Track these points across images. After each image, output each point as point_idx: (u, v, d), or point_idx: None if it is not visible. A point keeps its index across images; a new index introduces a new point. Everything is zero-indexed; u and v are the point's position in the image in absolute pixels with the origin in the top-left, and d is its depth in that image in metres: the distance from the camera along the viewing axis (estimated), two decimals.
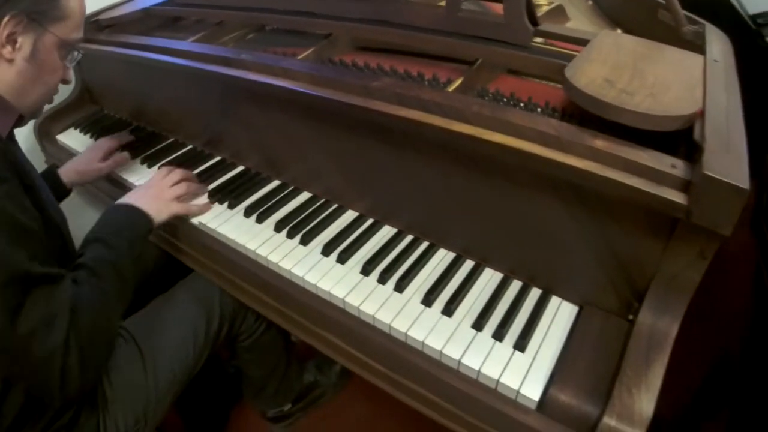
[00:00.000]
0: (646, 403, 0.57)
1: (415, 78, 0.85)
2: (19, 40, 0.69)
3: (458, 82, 0.81)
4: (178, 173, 0.96)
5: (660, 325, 0.63)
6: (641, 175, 0.59)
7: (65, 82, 0.82)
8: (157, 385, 0.86)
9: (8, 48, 0.69)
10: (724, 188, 0.53)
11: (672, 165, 0.59)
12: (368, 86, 0.76)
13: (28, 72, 0.72)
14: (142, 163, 1.13)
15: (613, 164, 0.60)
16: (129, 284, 0.78)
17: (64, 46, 0.75)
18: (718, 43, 0.88)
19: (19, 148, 0.82)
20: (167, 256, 1.06)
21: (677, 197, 0.56)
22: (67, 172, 1.07)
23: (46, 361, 0.64)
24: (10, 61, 0.70)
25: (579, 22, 1.08)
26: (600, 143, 0.62)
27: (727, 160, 0.55)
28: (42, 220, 0.69)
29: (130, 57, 1.08)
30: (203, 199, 0.98)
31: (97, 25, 1.24)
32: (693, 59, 0.77)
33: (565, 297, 0.75)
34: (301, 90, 0.79)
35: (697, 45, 0.87)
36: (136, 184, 1.06)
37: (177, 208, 0.91)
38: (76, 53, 0.80)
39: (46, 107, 1.31)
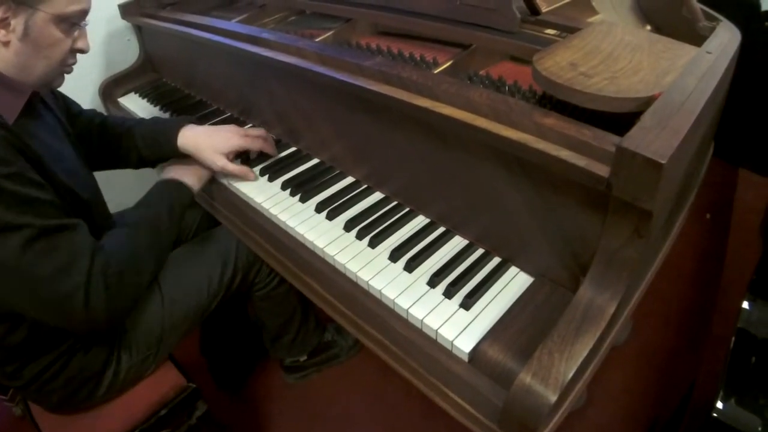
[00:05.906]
0: (564, 368, 0.59)
1: (406, 59, 0.93)
2: (12, 23, 0.72)
3: (447, 64, 0.87)
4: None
5: (599, 300, 0.65)
6: (575, 150, 0.62)
7: (81, 51, 0.83)
8: (171, 317, 0.99)
9: (2, 32, 0.72)
10: (638, 161, 0.55)
11: (613, 144, 0.61)
12: (361, 65, 0.85)
13: (26, 50, 0.75)
14: None
15: (555, 140, 0.64)
16: (164, 240, 0.87)
17: (61, 21, 0.76)
18: (722, 37, 0.87)
19: (38, 118, 0.85)
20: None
21: (600, 170, 0.59)
22: (187, 138, 1.03)
23: (66, 301, 0.71)
24: (6, 43, 0.74)
25: (608, 17, 1.09)
26: (549, 121, 0.66)
27: (655, 135, 0.57)
28: (53, 188, 0.75)
29: (175, 32, 1.24)
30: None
31: (158, 3, 1.42)
32: (684, 50, 0.78)
33: (522, 267, 0.80)
34: (305, 66, 0.90)
35: (706, 39, 0.87)
36: None
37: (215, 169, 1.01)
38: (81, 23, 0.81)
39: (111, 72, 1.52)
